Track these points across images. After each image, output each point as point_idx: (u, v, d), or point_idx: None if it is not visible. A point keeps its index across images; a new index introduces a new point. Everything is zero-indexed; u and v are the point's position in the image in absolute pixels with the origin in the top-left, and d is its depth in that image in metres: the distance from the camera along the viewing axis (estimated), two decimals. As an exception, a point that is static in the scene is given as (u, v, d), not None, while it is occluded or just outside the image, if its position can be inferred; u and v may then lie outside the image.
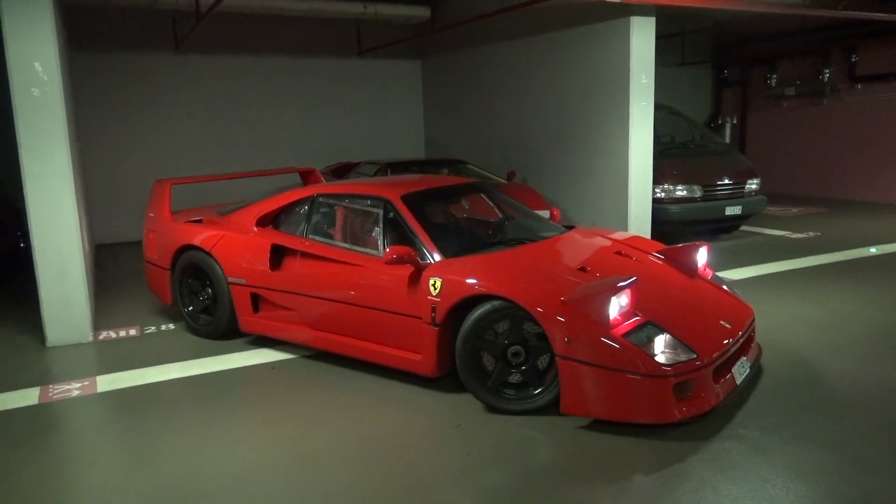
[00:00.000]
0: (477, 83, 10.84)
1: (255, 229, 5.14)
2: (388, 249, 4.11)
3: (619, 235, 5.12)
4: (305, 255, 4.80)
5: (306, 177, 6.98)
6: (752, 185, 9.16)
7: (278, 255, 4.93)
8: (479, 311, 3.85)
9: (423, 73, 12.59)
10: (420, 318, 4.08)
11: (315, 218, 4.93)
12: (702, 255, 4.67)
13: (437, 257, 4.22)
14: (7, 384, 4.60)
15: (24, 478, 3.37)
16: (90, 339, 5.48)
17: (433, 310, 3.99)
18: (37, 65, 5.00)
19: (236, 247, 5.11)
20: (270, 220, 5.19)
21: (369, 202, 4.75)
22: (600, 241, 4.88)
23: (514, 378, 3.85)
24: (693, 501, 2.98)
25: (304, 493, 3.14)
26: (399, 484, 3.21)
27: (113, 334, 5.66)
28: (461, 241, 4.71)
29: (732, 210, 8.84)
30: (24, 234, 5.68)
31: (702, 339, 3.75)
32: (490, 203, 5.40)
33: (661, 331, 3.67)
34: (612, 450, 3.47)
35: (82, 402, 4.33)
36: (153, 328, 5.80)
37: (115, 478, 3.39)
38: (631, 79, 7.81)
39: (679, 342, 3.63)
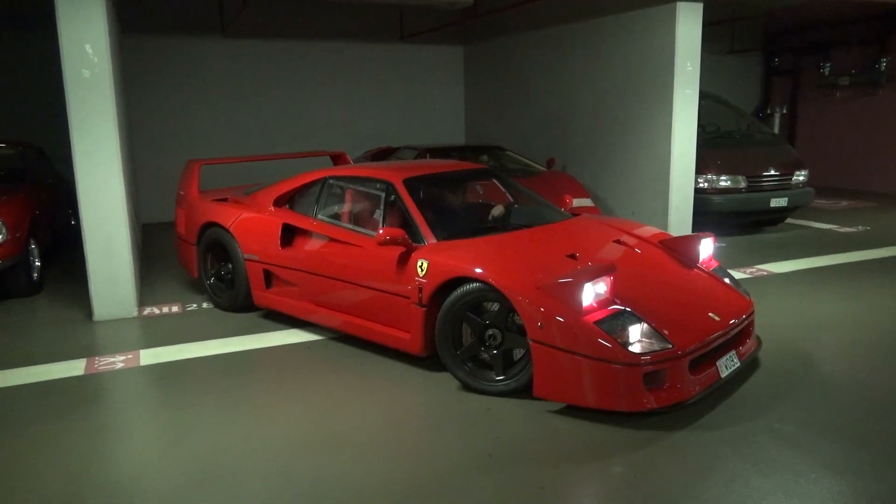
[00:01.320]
0: (519, 70, 10.76)
1: (272, 209, 5.35)
2: (381, 230, 4.26)
3: (625, 225, 5.06)
4: (312, 234, 5.00)
5: (336, 160, 7.15)
6: (800, 176, 8.91)
7: (290, 234, 5.13)
8: (458, 291, 3.95)
9: (465, 59, 12.55)
10: (408, 299, 4.21)
11: (325, 199, 5.10)
12: (706, 247, 4.60)
13: (430, 240, 4.31)
14: (55, 355, 4.78)
15: (67, 445, 3.51)
16: (135, 314, 5.65)
17: (420, 290, 4.12)
18: (87, 47, 5.14)
19: (252, 225, 5.36)
20: (286, 201, 5.39)
21: (374, 185, 4.90)
22: (599, 229, 4.88)
23: (487, 358, 3.99)
24: (724, 493, 2.94)
25: (332, 472, 3.19)
26: (424, 466, 3.24)
27: (157, 310, 5.82)
28: (456, 225, 4.77)
29: (778, 202, 8.61)
30: (75, 211, 5.87)
31: (682, 329, 3.73)
32: (502, 189, 5.46)
33: (639, 320, 3.66)
34: (636, 439, 3.45)
35: (125, 374, 4.47)
36: (195, 306, 5.94)
37: (152, 449, 3.50)
38: (675, 66, 7.65)
39: (655, 332, 3.62)
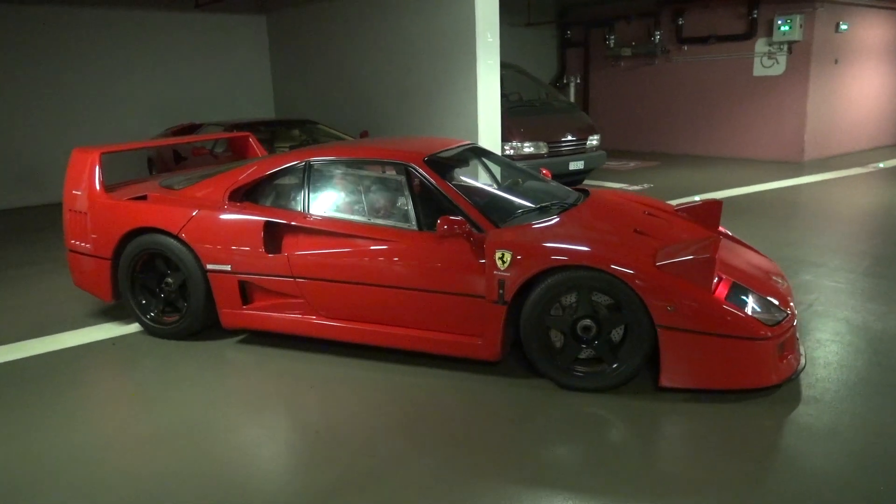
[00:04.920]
0: (325, 40, 10.56)
1: (229, 205, 4.33)
2: (439, 221, 3.69)
3: (636, 197, 4.90)
4: (312, 232, 4.13)
5: (239, 143, 6.05)
6: (593, 140, 9.66)
7: (269, 234, 4.24)
8: (550, 281, 3.49)
9: (269, 28, 12.07)
10: (481, 298, 3.67)
11: (315, 189, 4.25)
12: (717, 213, 4.46)
13: (487, 227, 3.75)
14: None
15: None
16: None
17: (501, 286, 3.58)
18: None
19: (213, 227, 4.28)
20: (246, 193, 4.40)
21: (385, 168, 4.23)
22: (628, 203, 4.61)
23: (586, 354, 3.59)
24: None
25: (142, 471, 3.03)
26: (243, 458, 3.19)
27: (-80, 318, 5.05)
28: (501, 207, 4.16)
29: (575, 165, 9.28)
30: None
31: (778, 296, 3.63)
32: (486, 165, 4.95)
33: (748, 291, 3.53)
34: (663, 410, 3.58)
35: None
36: (-30, 309, 5.26)
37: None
38: (477, 37, 7.93)
39: (767, 301, 3.52)
